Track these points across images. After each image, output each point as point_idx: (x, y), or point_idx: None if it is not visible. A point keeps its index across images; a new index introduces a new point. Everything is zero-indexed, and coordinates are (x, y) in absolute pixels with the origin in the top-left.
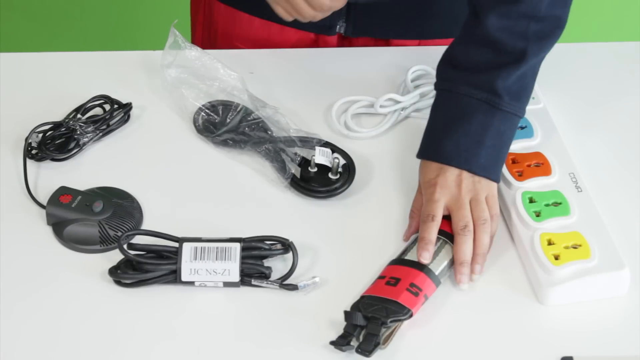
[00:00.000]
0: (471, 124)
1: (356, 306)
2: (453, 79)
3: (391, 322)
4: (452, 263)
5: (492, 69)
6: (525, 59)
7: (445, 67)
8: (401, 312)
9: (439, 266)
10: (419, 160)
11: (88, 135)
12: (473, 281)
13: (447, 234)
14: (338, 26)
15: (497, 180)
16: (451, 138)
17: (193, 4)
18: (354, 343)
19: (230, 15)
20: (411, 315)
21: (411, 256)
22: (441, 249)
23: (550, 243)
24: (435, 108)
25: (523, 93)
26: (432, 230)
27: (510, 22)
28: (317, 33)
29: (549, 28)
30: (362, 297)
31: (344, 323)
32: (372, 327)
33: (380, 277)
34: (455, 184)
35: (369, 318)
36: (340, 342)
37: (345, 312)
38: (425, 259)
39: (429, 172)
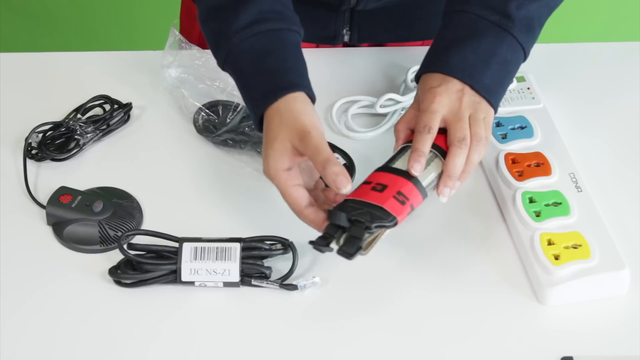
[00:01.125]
0: (480, 44)
1: (340, 208)
2: (466, 2)
3: (375, 227)
4: (440, 177)
5: None
6: None
7: None
8: (386, 218)
9: (426, 178)
10: None
11: (88, 135)
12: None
13: (438, 148)
14: (342, 35)
15: (495, 108)
16: (458, 53)
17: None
18: (334, 246)
19: None
20: (396, 224)
21: (399, 165)
22: (431, 161)
23: (550, 243)
24: (442, 28)
25: (531, 33)
26: (427, 142)
27: None
28: (322, 44)
29: None
30: (346, 201)
31: (344, 323)
32: (356, 231)
33: (366, 182)
34: (456, 97)
35: (353, 221)
36: (320, 243)
37: (329, 212)
38: (416, 170)
39: (430, 82)
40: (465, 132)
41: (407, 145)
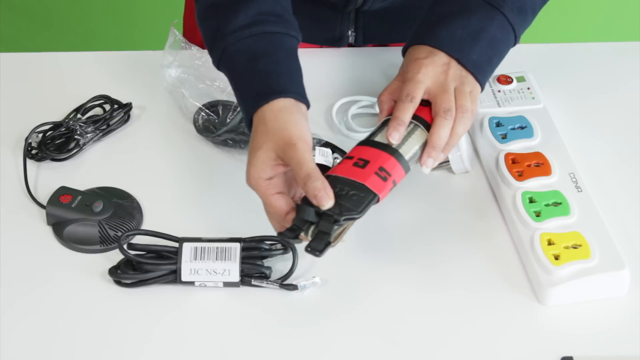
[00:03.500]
0: (470, 20)
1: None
2: None
3: (344, 220)
4: (422, 148)
5: None
6: None
7: None
8: (366, 199)
9: (409, 151)
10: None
11: (88, 135)
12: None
13: (422, 120)
14: (348, 36)
15: (482, 85)
16: (447, 27)
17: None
18: (303, 237)
19: None
20: (378, 200)
21: (381, 138)
22: (412, 133)
23: (550, 243)
24: (433, 4)
25: (522, 15)
26: (408, 111)
27: None
28: (327, 46)
29: None
30: (327, 177)
31: (345, 323)
32: (324, 225)
33: (348, 157)
34: (442, 70)
35: (322, 214)
36: (288, 235)
37: (297, 205)
38: (394, 139)
39: (417, 53)
40: (450, 104)
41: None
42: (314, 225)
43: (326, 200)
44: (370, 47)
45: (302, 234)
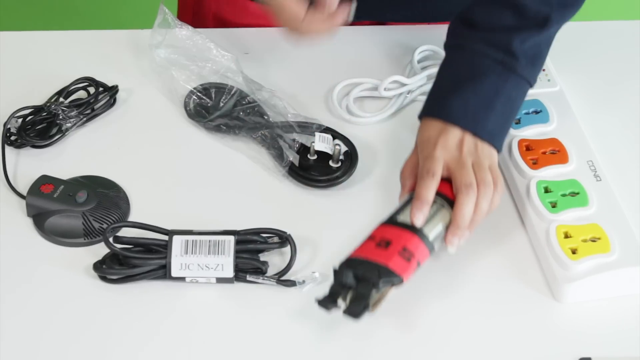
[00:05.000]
0: (483, 85)
1: (344, 266)
2: (467, 37)
3: (383, 284)
4: (448, 228)
5: (511, 30)
6: (547, 25)
7: (459, 25)
8: (392, 276)
9: (433, 231)
10: None
11: (71, 120)
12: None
13: (445, 197)
14: None
15: (499, 150)
16: (460, 97)
17: None
18: (340, 303)
19: None
20: (402, 282)
21: (405, 218)
22: (438, 212)
23: (567, 236)
24: (444, 66)
25: (537, 60)
26: (431, 189)
27: None
28: None
29: None
30: (348, 259)
31: (346, 322)
32: (363, 289)
33: (370, 238)
34: (456, 146)
35: (360, 279)
36: (327, 301)
37: (334, 270)
38: (419, 220)
39: (429, 130)
40: (470, 178)
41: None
42: (352, 290)
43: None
44: (373, 25)
45: (341, 299)
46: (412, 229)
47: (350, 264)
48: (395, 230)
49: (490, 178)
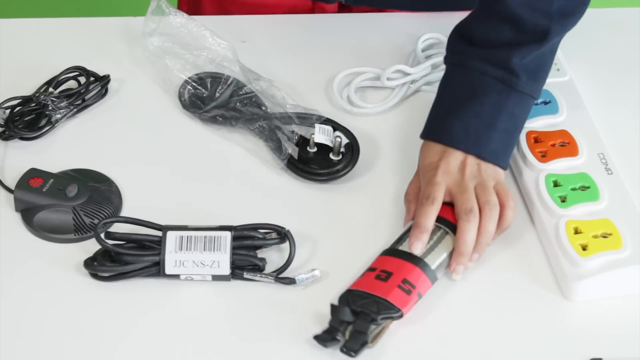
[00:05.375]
0: (484, 105)
1: (344, 299)
2: (466, 53)
3: (382, 319)
4: (451, 256)
5: (510, 46)
6: (547, 38)
7: (458, 40)
8: (392, 310)
9: (436, 260)
10: None
11: (61, 111)
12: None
13: (449, 223)
14: None
15: (505, 168)
16: (460, 118)
17: None
18: (340, 338)
19: None
20: (401, 316)
21: (405, 247)
22: (440, 240)
23: (577, 232)
24: (444, 83)
25: (540, 72)
26: (430, 216)
27: None
28: (314, 0)
29: (573, 4)
30: (349, 291)
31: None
32: (361, 324)
33: (370, 270)
34: (458, 169)
35: (358, 313)
36: (325, 338)
37: (332, 306)
38: (417, 249)
39: (430, 155)
40: (471, 203)
41: None
42: (351, 325)
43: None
44: (374, 12)
45: (340, 335)
46: (413, 259)
47: (349, 296)
48: (395, 261)
49: (494, 199)
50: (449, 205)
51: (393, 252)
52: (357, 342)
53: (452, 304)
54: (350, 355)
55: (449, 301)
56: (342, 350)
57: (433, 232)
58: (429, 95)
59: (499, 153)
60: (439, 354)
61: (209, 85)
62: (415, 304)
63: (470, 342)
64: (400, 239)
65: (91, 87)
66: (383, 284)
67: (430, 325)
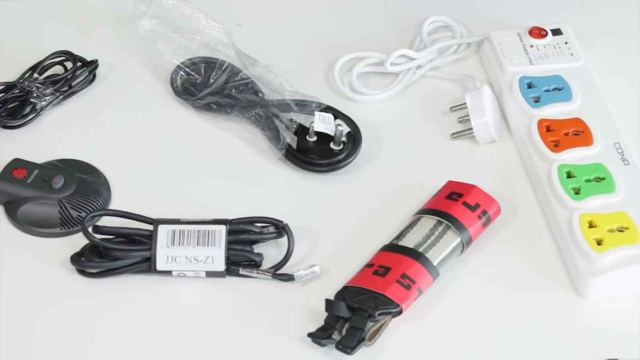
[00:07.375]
0: None
1: (340, 296)
2: None
3: (380, 314)
4: (454, 252)
5: None
6: None
7: None
8: (390, 306)
9: (438, 255)
10: (435, 128)
11: (46, 98)
12: None
13: (451, 218)
14: None
15: None
16: None
17: None
18: (336, 337)
19: None
20: (401, 312)
21: (406, 242)
22: (442, 235)
23: (591, 225)
24: None
25: None
26: None
27: None
28: None
29: None
30: (345, 288)
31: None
32: (357, 320)
33: (368, 266)
34: None
35: (354, 309)
36: (320, 335)
37: (327, 301)
38: None
39: None
40: None
41: (419, 216)
42: (347, 321)
43: None
44: None
45: (336, 333)
46: (413, 254)
47: (345, 293)
48: (394, 256)
49: None
50: (454, 198)
51: (392, 247)
52: (353, 338)
53: (456, 301)
54: (347, 353)
55: (453, 297)
56: (337, 347)
57: (434, 227)
58: (435, 81)
59: None
60: (442, 353)
61: (202, 71)
62: (415, 300)
63: (476, 342)
64: (401, 235)
65: (78, 72)
66: (381, 279)
67: (433, 322)
